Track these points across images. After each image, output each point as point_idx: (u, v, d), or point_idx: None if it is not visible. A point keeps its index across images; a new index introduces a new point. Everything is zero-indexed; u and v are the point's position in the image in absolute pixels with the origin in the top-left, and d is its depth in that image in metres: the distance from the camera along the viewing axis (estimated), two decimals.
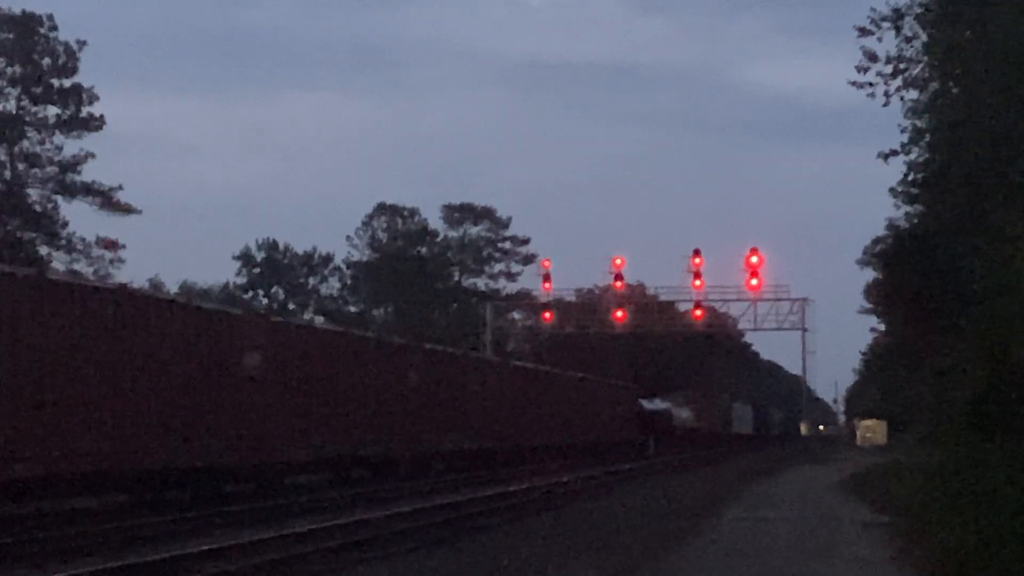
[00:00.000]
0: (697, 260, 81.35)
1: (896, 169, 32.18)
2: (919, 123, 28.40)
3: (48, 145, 77.01)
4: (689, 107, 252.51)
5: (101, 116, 77.68)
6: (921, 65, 26.81)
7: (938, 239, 29.11)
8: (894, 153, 28.74)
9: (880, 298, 50.57)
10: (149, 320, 30.46)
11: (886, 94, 27.12)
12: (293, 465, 38.05)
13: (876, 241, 40.61)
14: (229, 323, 34.52)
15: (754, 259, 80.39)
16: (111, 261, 78.39)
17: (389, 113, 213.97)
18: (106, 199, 78.57)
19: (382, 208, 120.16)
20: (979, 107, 20.71)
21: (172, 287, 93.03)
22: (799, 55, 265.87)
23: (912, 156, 29.37)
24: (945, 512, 20.13)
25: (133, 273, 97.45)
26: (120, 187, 79.14)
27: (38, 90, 76.29)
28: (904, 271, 35.84)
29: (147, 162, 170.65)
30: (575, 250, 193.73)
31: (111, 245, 78.05)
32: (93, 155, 77.71)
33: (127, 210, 79.25)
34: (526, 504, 34.52)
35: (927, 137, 28.28)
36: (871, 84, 27.51)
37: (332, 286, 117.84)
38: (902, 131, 28.74)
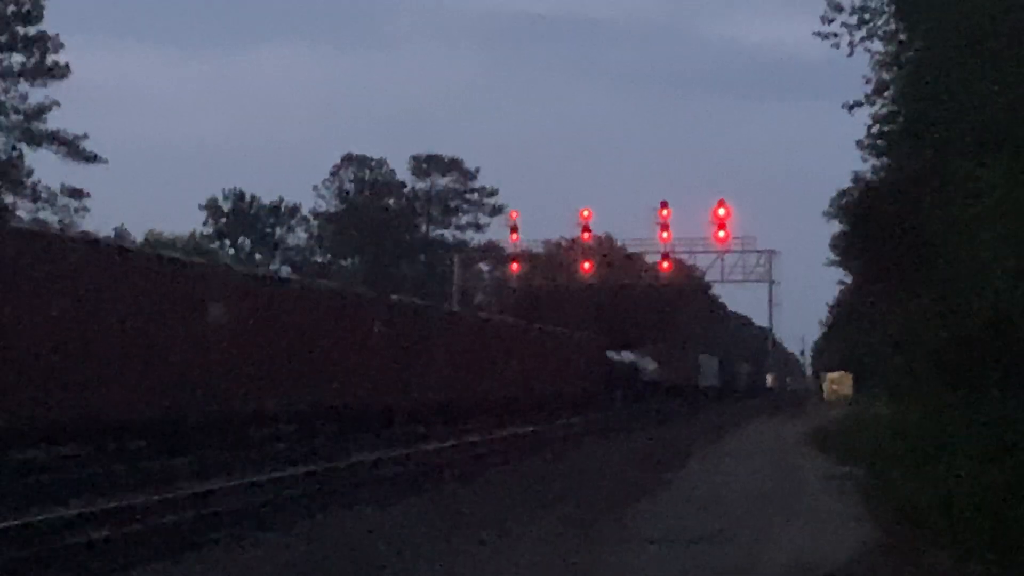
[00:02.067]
0: (664, 212, 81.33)
1: (862, 122, 32.16)
2: (884, 75, 28.38)
3: (13, 93, 76.46)
4: (657, 61, 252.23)
5: (66, 64, 77.11)
6: (886, 16, 26.72)
7: (902, 193, 29.12)
8: (858, 104, 28.71)
9: (845, 251, 50.61)
10: (111, 269, 30.20)
11: (851, 44, 27.01)
12: (259, 416, 37.91)
13: (842, 194, 40.60)
14: (193, 273, 34.29)
15: (721, 211, 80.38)
16: (76, 210, 77.97)
17: (358, 65, 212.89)
18: (72, 147, 78.05)
19: (349, 159, 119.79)
20: (944, 59, 20.68)
21: (138, 237, 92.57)
22: (767, 10, 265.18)
23: (876, 108, 29.37)
24: (907, 464, 20.21)
25: (99, 222, 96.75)
26: (85, 135, 78.68)
27: (2, 37, 75.57)
28: (868, 224, 35.87)
29: (113, 112, 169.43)
30: (543, 202, 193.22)
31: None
32: (58, 103, 77.26)
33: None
34: (489, 455, 34.55)
35: (891, 89, 28.26)
36: (835, 35, 27.39)
37: (299, 237, 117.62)
38: (867, 82, 28.74)
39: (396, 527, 18.91)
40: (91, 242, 31.87)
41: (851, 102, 29.08)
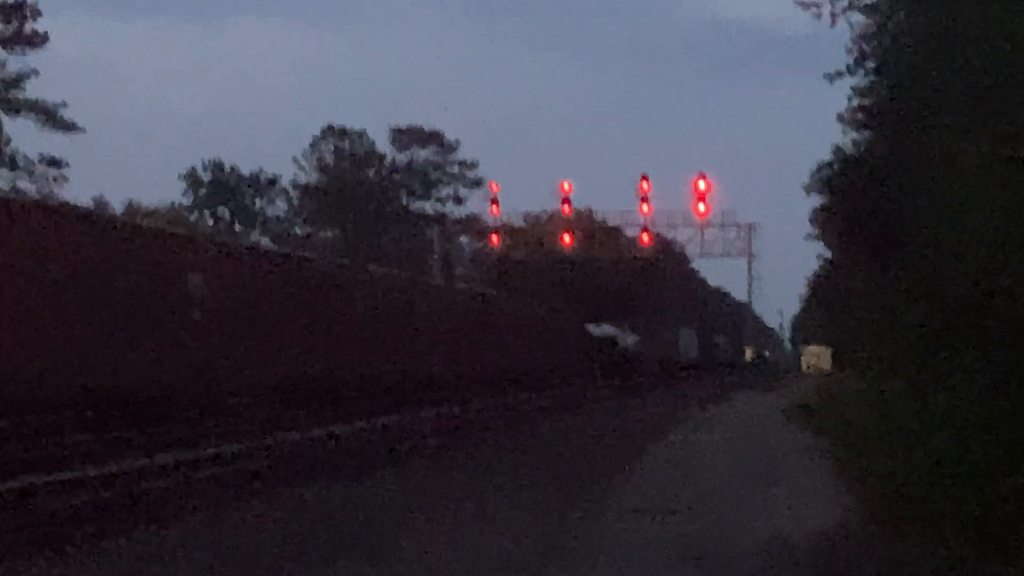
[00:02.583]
0: (645, 185, 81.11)
1: (844, 94, 32.04)
2: (865, 47, 28.25)
3: None
4: (639, 35, 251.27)
5: (45, 33, 76.73)
6: None
7: (883, 166, 29.04)
8: (839, 75, 28.61)
9: (824, 225, 50.52)
10: (85, 239, 30.00)
11: (832, 15, 26.89)
12: (237, 388, 37.76)
13: (822, 167, 40.42)
14: (171, 244, 34.12)
15: (702, 185, 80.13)
16: (54, 179, 77.63)
17: (340, 38, 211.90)
18: (50, 116, 77.64)
19: (329, 130, 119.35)
20: (926, 28, 20.60)
21: (117, 207, 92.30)
22: None
23: (857, 79, 29.27)
24: (885, 437, 20.19)
25: (77, 192, 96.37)
26: (64, 104, 78.29)
27: None
28: (848, 198, 35.79)
29: (94, 83, 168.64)
30: (524, 175, 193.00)
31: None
32: (37, 72, 76.85)
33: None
34: (467, 427, 34.51)
35: (872, 61, 28.16)
36: (817, 5, 27.25)
37: (279, 208, 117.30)
38: (848, 52, 28.62)
39: (372, 496, 18.86)
40: (54, 210, 31.62)
41: (833, 72, 28.99)
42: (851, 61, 29.05)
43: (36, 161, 77.12)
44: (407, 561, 13.79)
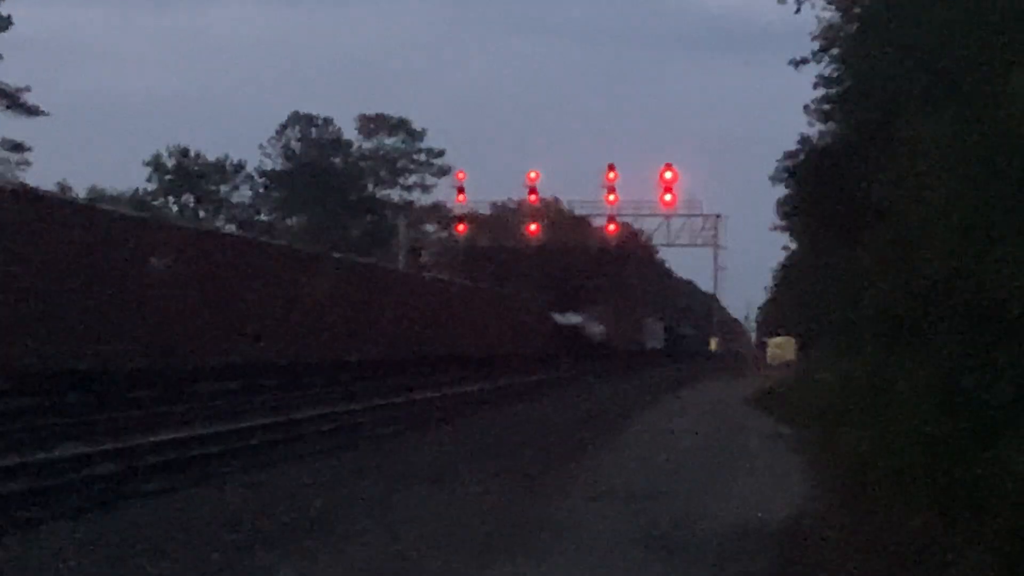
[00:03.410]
0: (611, 175, 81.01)
1: (810, 82, 32.10)
2: (830, 33, 28.33)
3: None
4: (607, 21, 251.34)
5: (8, 16, 76.19)
6: None
7: (849, 153, 29.06)
8: (804, 61, 28.66)
9: (790, 214, 50.57)
10: (51, 222, 29.77)
11: (797, 1, 26.93)
12: (201, 371, 37.59)
13: (787, 155, 40.44)
14: (135, 228, 33.89)
15: (668, 175, 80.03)
16: (17, 164, 77.13)
17: (306, 23, 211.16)
18: (13, 100, 77.12)
19: (296, 117, 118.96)
20: (890, 11, 20.59)
21: (81, 192, 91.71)
22: None
23: (823, 65, 29.33)
24: (851, 420, 20.16)
25: (40, 177, 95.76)
26: (28, 88, 77.77)
27: None
28: (814, 186, 35.83)
29: (57, 67, 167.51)
30: (490, 164, 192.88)
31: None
32: (0, 56, 76.35)
33: None
34: (431, 412, 34.37)
35: (837, 46, 28.22)
36: None
37: (244, 194, 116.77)
38: (813, 39, 28.65)
39: (334, 479, 18.70)
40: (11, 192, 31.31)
41: (797, 59, 29.05)
42: (816, 48, 29.16)
43: None
44: (370, 545, 13.66)
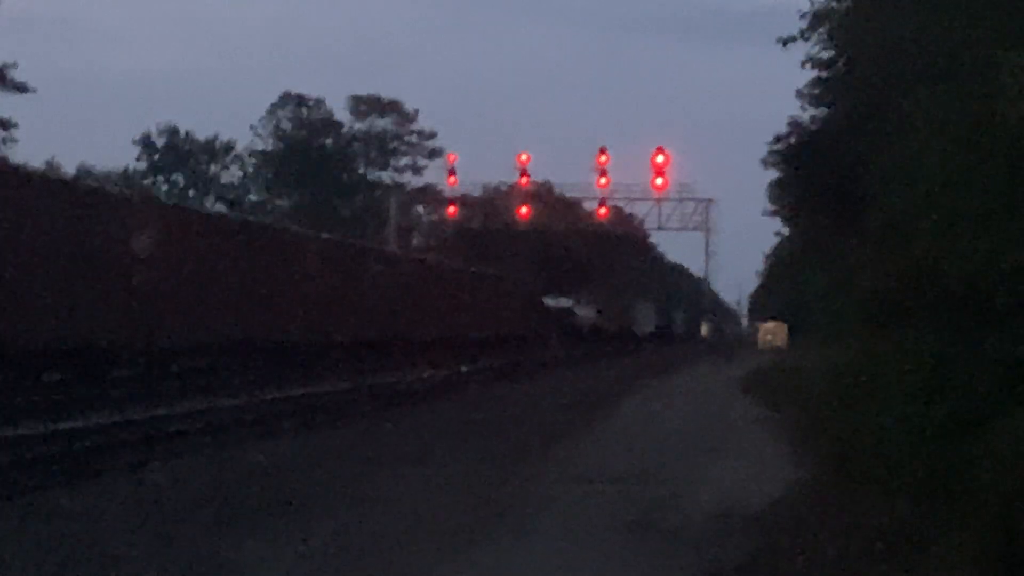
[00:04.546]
0: (603, 158, 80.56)
1: (798, 62, 31.86)
2: (819, 10, 28.14)
3: None
4: (598, 3, 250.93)
5: None
6: None
7: (839, 136, 28.87)
8: (792, 39, 28.38)
9: (781, 198, 50.37)
10: (32, 199, 29.49)
11: None
12: (184, 350, 37.36)
13: (778, 139, 40.14)
14: (117, 204, 33.64)
15: (660, 158, 79.57)
16: (4, 141, 76.76)
17: (299, 3, 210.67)
18: (0, 77, 76.66)
19: (287, 97, 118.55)
20: None
21: (69, 170, 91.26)
22: None
23: (811, 44, 29.08)
24: (838, 406, 20.03)
25: (28, 154, 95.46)
26: (15, 64, 77.28)
27: None
28: (804, 170, 35.65)
29: (45, 43, 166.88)
30: (482, 146, 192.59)
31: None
32: None
33: None
34: (417, 393, 34.24)
35: (826, 24, 28.00)
36: None
37: (234, 174, 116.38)
38: (802, 17, 28.38)
39: (314, 458, 18.55)
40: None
41: (786, 36, 28.81)
42: (804, 26, 28.93)
43: None
44: (345, 521, 13.52)
